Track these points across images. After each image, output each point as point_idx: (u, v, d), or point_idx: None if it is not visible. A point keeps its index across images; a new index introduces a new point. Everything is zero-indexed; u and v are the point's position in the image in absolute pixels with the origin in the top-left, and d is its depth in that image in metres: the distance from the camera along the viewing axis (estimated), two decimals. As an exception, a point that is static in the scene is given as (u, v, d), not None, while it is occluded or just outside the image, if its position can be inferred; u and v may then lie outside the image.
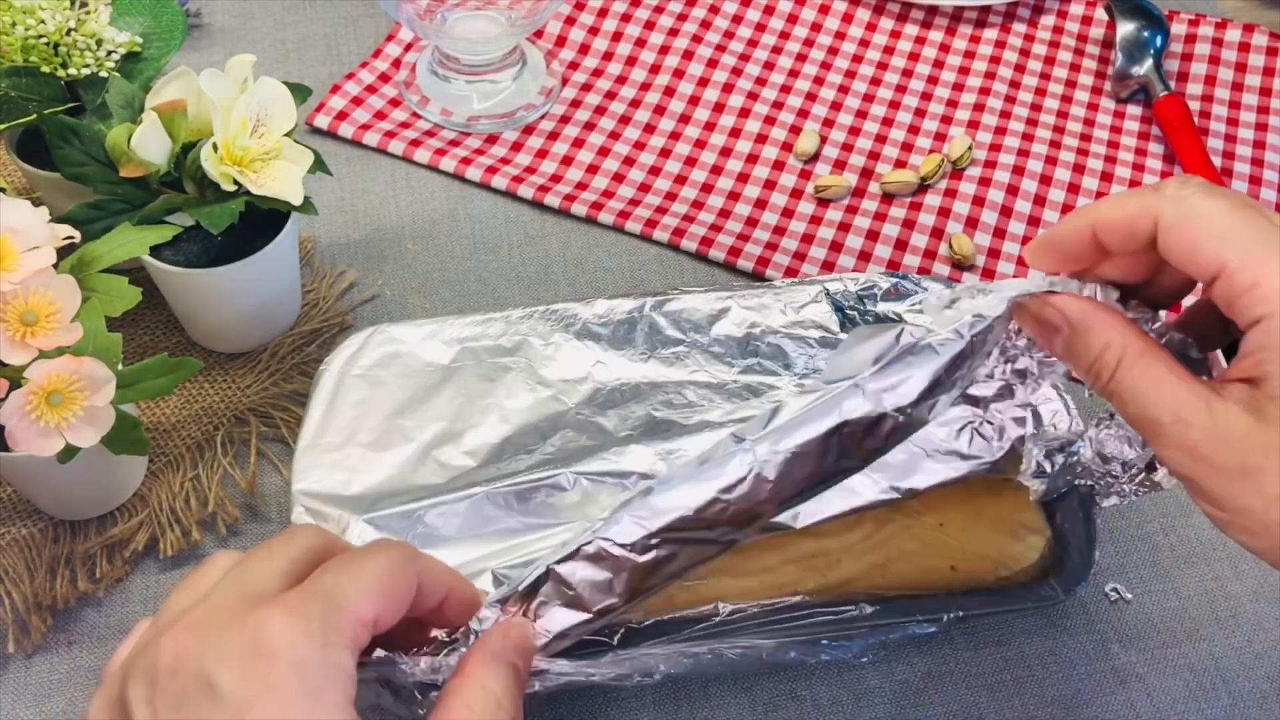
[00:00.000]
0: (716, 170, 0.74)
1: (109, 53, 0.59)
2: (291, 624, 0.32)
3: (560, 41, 0.79)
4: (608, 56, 0.79)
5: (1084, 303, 0.39)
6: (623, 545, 0.41)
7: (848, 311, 0.54)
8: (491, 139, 0.74)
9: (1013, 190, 0.73)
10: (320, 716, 0.31)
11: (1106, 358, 0.38)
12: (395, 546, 0.37)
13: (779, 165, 0.74)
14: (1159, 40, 0.78)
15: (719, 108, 0.76)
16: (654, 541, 0.41)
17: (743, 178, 0.73)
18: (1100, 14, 0.83)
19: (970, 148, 0.74)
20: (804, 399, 0.42)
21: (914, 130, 0.76)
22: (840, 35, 0.81)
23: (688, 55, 0.79)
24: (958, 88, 0.79)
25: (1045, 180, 0.74)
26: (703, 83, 0.78)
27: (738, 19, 0.81)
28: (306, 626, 0.32)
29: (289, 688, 0.31)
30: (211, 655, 0.31)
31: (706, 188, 0.73)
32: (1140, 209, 0.38)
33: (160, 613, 0.36)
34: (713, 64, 0.79)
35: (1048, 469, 0.49)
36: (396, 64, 0.77)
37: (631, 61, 0.79)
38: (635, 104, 0.76)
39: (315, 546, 0.36)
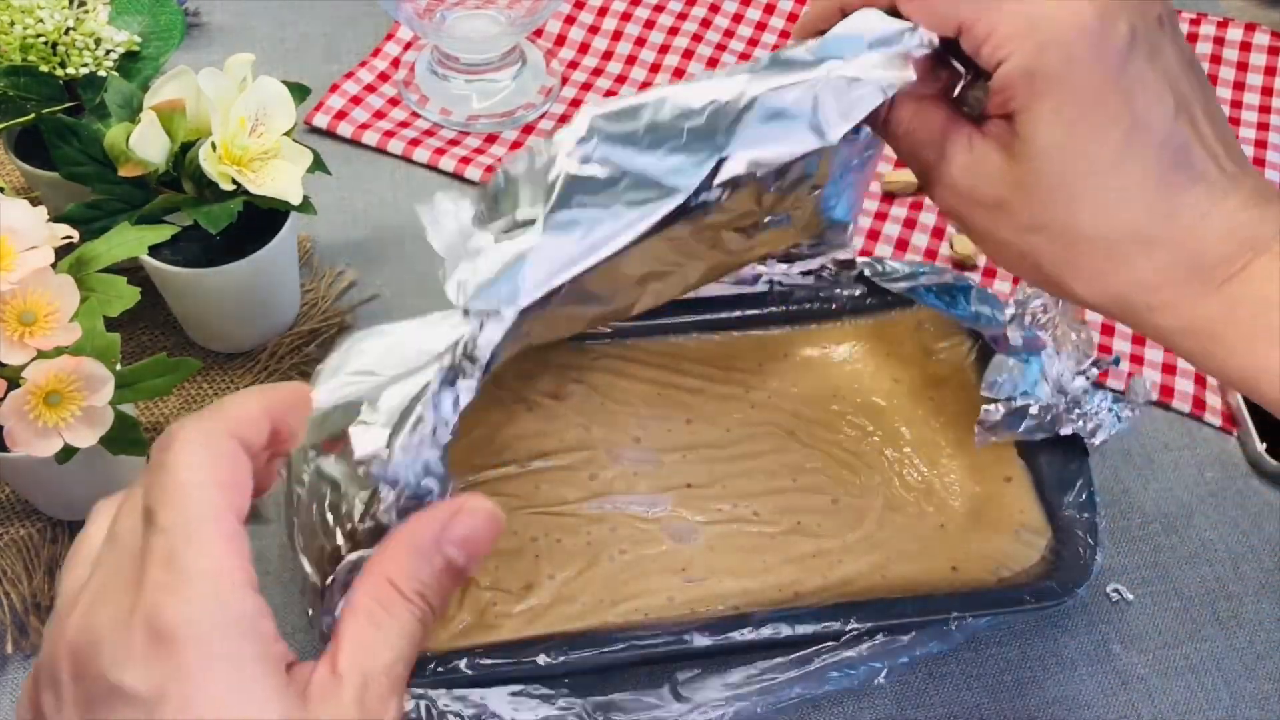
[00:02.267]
0: (717, 170, 0.73)
1: (107, 52, 0.58)
2: (176, 599, 0.29)
3: (560, 41, 0.79)
4: (608, 56, 0.79)
5: None
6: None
7: None
8: (491, 138, 0.74)
9: (1013, 190, 0.73)
10: (236, 678, 0.29)
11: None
12: (190, 429, 0.32)
13: (779, 165, 0.74)
14: (1160, 39, 0.78)
15: (719, 107, 0.76)
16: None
17: (743, 177, 0.73)
18: (1101, 13, 0.83)
19: (971, 147, 0.74)
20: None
21: (914, 129, 0.76)
22: (841, 34, 0.81)
23: (688, 55, 0.79)
24: (958, 87, 0.78)
25: (1046, 180, 0.74)
26: (703, 82, 0.77)
27: (738, 18, 0.81)
28: (190, 593, 0.29)
29: (193, 664, 0.29)
30: (110, 657, 0.29)
31: (707, 187, 0.72)
32: None
33: (59, 594, 0.33)
34: (713, 64, 0.78)
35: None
36: (396, 63, 0.77)
37: (631, 61, 0.78)
38: (635, 103, 0.76)
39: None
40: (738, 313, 0.59)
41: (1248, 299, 0.37)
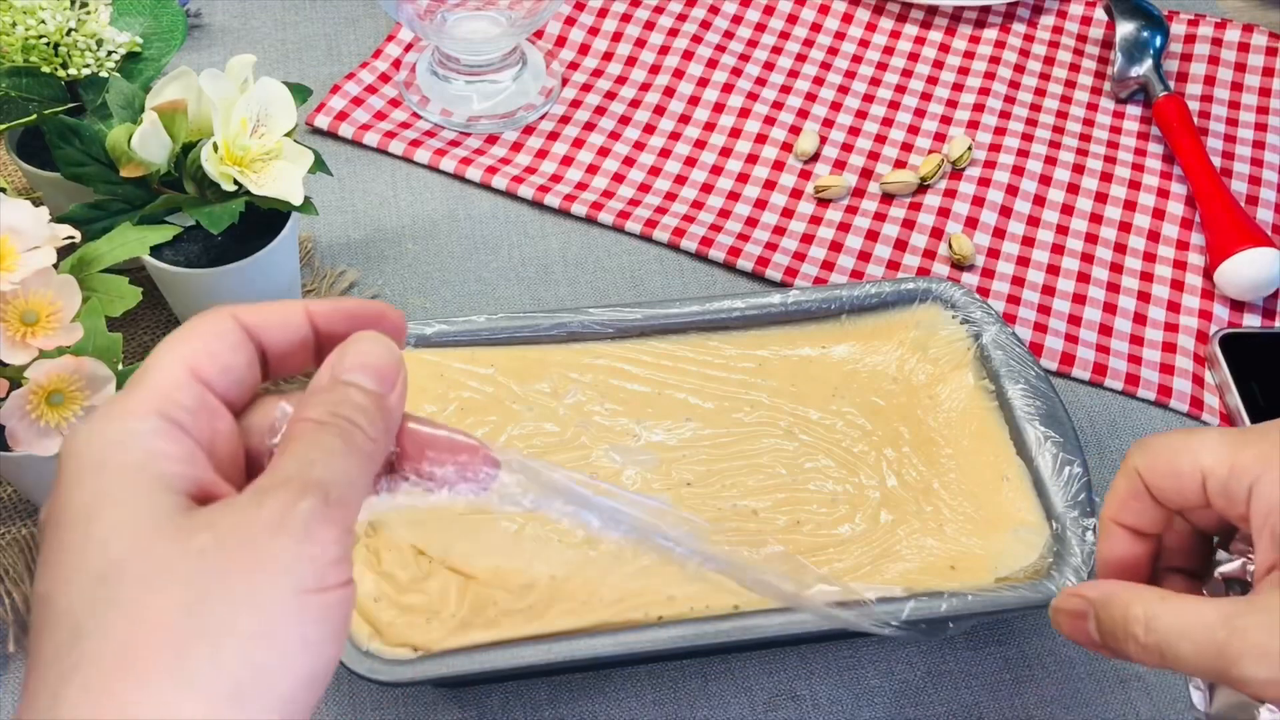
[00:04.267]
0: (716, 170, 0.74)
1: (109, 53, 0.59)
2: (78, 431, 0.31)
3: (560, 41, 0.79)
4: (608, 56, 0.79)
5: (1101, 582, 0.39)
6: None
7: None
8: (491, 139, 0.74)
9: (1012, 190, 0.73)
10: (104, 484, 0.29)
11: (1134, 613, 0.37)
12: (201, 314, 0.33)
13: (779, 165, 0.74)
14: (1158, 40, 0.78)
15: (719, 108, 0.76)
16: None
17: (743, 178, 0.73)
18: (1100, 14, 0.83)
19: (970, 148, 0.74)
20: None
21: (914, 130, 0.76)
22: (840, 35, 0.82)
23: (688, 55, 0.79)
24: (957, 88, 0.79)
25: (1045, 180, 0.74)
26: (703, 83, 0.78)
27: (738, 19, 0.81)
28: (87, 426, 0.31)
29: (66, 480, 0.30)
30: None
31: (706, 188, 0.73)
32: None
33: None
34: (713, 64, 0.79)
35: None
36: (396, 64, 0.77)
37: (631, 61, 0.79)
38: (635, 104, 0.76)
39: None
40: (737, 313, 0.59)
41: None
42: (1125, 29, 0.79)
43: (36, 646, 0.28)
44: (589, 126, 0.75)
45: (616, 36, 0.80)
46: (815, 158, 0.75)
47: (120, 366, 0.50)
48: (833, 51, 0.81)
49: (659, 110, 0.76)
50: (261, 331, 0.33)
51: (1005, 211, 0.72)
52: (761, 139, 0.75)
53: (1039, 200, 0.73)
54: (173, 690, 0.26)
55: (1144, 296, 0.69)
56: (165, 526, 0.28)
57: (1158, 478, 0.39)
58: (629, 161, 0.74)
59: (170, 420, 0.31)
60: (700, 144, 0.75)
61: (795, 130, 0.76)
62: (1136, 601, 0.37)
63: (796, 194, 0.73)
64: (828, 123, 0.76)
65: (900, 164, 0.75)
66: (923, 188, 0.73)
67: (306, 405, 0.32)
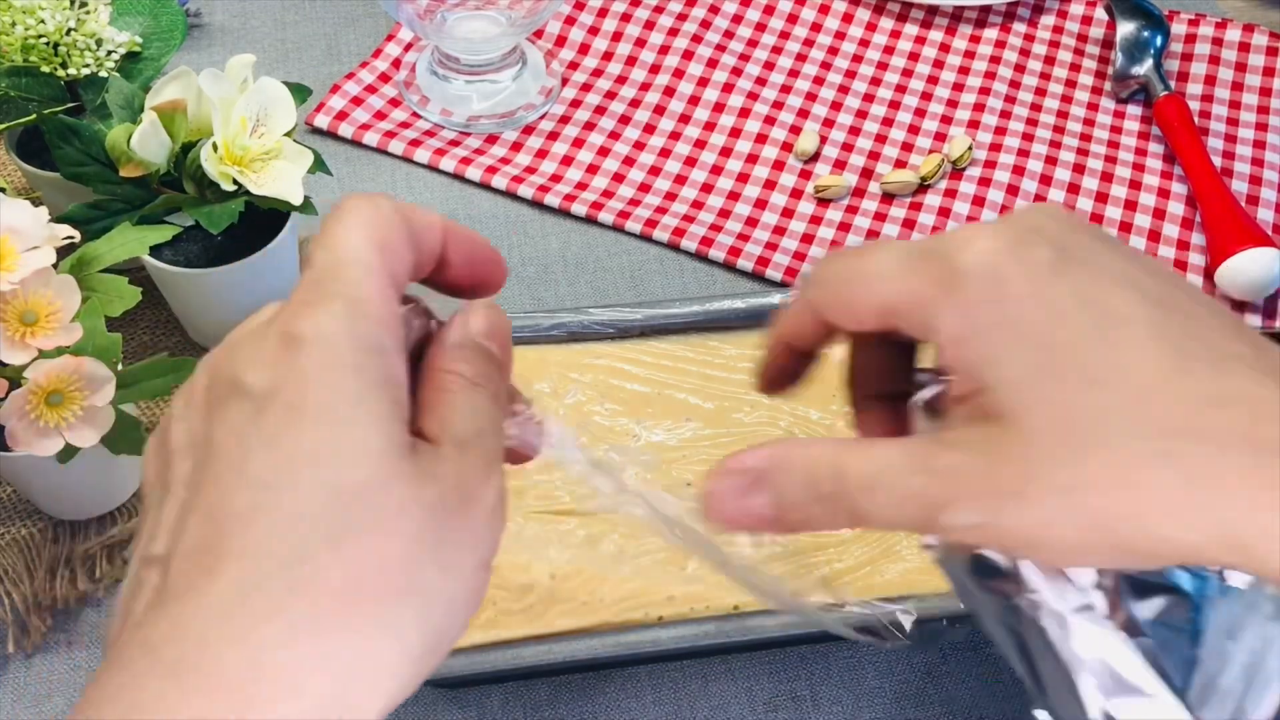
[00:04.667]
0: (716, 170, 0.74)
1: (109, 53, 0.59)
2: (314, 310, 0.29)
3: (560, 41, 0.79)
4: (608, 56, 0.79)
5: (762, 448, 0.33)
6: None
7: None
8: (491, 139, 0.74)
9: (1013, 190, 0.73)
10: (353, 390, 0.28)
11: (819, 471, 0.31)
12: (364, 197, 0.32)
13: (779, 165, 0.74)
14: (1159, 40, 0.78)
15: (719, 108, 0.76)
16: None
17: (743, 178, 0.73)
18: (1100, 14, 0.83)
19: (970, 148, 0.74)
20: None
21: (914, 130, 0.76)
22: (840, 35, 0.81)
23: (688, 55, 0.79)
24: (958, 88, 0.79)
25: (1045, 180, 0.74)
26: (703, 83, 0.78)
27: (738, 19, 0.81)
28: (328, 309, 0.29)
29: (315, 365, 0.28)
30: (240, 358, 0.30)
31: (706, 188, 0.73)
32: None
33: None
34: (713, 64, 0.79)
35: None
36: (396, 64, 0.77)
37: (631, 61, 0.79)
38: (635, 104, 0.76)
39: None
40: (737, 313, 0.59)
41: None
42: (1126, 29, 0.79)
43: (248, 532, 0.27)
44: (589, 126, 0.75)
45: (616, 36, 0.80)
46: (815, 157, 0.75)
47: (120, 366, 0.50)
48: (833, 51, 0.81)
49: (659, 110, 0.76)
50: (413, 232, 0.32)
51: (1006, 211, 0.72)
52: (762, 139, 0.75)
53: (1040, 200, 0.73)
54: (382, 637, 0.27)
55: (1144, 296, 0.69)
56: (398, 465, 0.28)
57: (834, 315, 0.33)
58: (629, 161, 0.74)
59: (396, 336, 0.30)
60: (700, 144, 0.75)
61: (795, 130, 0.76)
62: (820, 459, 0.31)
63: (797, 194, 0.73)
64: (828, 122, 0.76)
65: (901, 164, 0.75)
66: (923, 187, 0.73)
67: (455, 358, 0.32)
